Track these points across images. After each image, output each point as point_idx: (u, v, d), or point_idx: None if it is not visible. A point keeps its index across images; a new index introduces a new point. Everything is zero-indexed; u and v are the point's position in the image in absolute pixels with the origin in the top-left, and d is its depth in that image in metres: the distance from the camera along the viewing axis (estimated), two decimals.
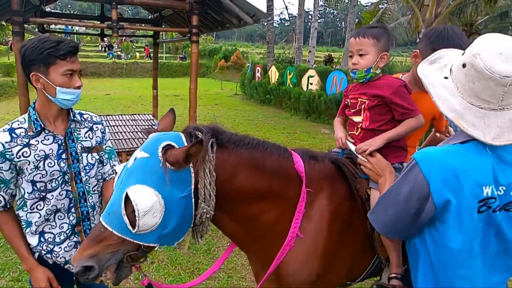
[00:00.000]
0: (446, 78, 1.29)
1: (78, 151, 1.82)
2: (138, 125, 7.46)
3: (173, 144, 1.34)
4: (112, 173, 1.95)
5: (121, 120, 7.80)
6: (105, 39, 26.39)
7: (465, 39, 1.68)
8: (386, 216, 1.34)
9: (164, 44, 29.81)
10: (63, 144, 1.77)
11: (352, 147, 1.78)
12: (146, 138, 1.45)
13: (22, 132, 1.69)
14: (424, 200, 1.21)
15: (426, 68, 1.38)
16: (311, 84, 11.67)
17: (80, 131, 1.87)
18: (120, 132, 6.83)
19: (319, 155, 1.76)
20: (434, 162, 1.21)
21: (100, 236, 1.29)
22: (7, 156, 1.64)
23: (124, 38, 28.56)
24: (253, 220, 1.55)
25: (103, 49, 29.92)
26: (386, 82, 1.73)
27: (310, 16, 18.39)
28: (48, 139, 1.74)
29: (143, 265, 3.57)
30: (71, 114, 1.84)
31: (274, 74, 13.72)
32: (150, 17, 8.44)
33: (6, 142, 1.64)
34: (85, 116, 1.95)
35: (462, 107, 1.21)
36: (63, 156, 1.76)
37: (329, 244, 1.61)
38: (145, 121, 7.89)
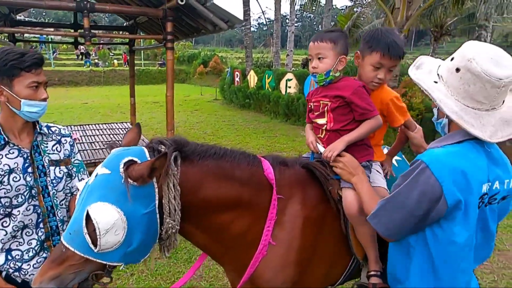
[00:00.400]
0: (435, 82, 1.35)
1: (45, 164, 1.78)
2: (116, 134, 7.37)
3: (135, 159, 1.31)
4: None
5: (98, 130, 7.69)
6: (82, 47, 26.03)
7: (396, 35, 1.80)
8: (392, 220, 1.35)
9: (142, 51, 29.56)
10: (29, 157, 1.73)
11: (323, 150, 1.79)
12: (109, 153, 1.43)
13: None
14: (435, 202, 1.25)
15: (417, 73, 1.42)
16: (290, 87, 11.76)
17: (47, 144, 1.83)
18: (97, 142, 6.73)
19: (289, 161, 1.77)
20: (444, 164, 1.25)
21: (62, 256, 1.26)
22: None
23: (101, 45, 28.19)
24: (223, 230, 1.54)
25: (79, 57, 29.44)
26: (346, 83, 1.77)
27: (287, 20, 18.55)
28: (13, 152, 1.69)
29: (122, 277, 3.54)
30: (37, 126, 1.80)
31: (253, 78, 13.77)
32: (125, 24, 8.36)
33: None
34: (53, 129, 1.91)
35: (459, 109, 1.28)
36: (29, 170, 1.72)
37: (303, 249, 1.60)
38: (123, 129, 7.80)
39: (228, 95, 15.74)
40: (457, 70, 1.28)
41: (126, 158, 1.30)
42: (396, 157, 2.27)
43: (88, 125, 8.23)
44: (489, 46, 1.28)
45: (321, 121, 1.82)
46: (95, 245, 1.23)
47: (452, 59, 1.33)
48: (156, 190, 1.32)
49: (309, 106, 1.92)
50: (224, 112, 13.84)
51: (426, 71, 1.41)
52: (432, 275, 1.34)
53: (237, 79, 14.87)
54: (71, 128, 7.65)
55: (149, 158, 1.34)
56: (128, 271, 3.64)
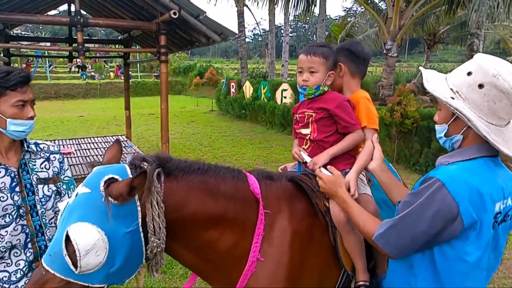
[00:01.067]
0: (452, 98, 1.29)
1: (33, 182, 1.75)
2: None
3: (116, 177, 1.28)
4: None
5: (93, 143, 7.66)
6: (78, 60, 26.07)
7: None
8: (402, 239, 1.30)
9: (138, 63, 29.66)
10: (17, 176, 1.70)
11: (308, 158, 1.80)
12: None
13: None
14: (450, 221, 1.21)
15: (433, 86, 1.35)
16: (285, 97, 11.80)
17: (35, 161, 1.80)
18: (92, 156, 6.69)
19: (275, 175, 1.75)
20: (460, 183, 1.21)
21: (42, 279, 1.21)
22: None
23: (97, 58, 28.29)
24: (210, 248, 1.50)
25: (70, 70, 29.52)
26: (331, 96, 1.82)
27: (282, 31, 18.71)
28: (0, 172, 1.67)
29: None
30: (25, 144, 1.78)
31: (248, 89, 13.82)
32: (120, 37, 8.40)
33: None
34: (41, 146, 1.89)
35: (486, 127, 1.24)
36: (17, 189, 1.69)
37: (293, 264, 1.57)
38: None
39: (224, 106, 15.77)
40: (480, 86, 1.24)
41: (106, 176, 1.27)
42: None
43: (83, 138, 8.19)
44: (501, 60, 1.26)
45: (305, 131, 1.85)
46: (76, 267, 1.19)
47: (469, 73, 1.28)
48: (139, 208, 1.29)
49: (295, 118, 1.95)
50: (220, 123, 13.84)
51: (439, 86, 1.35)
52: None
53: (232, 90, 14.91)
54: (66, 142, 7.61)
55: (130, 176, 1.31)
56: (122, 287, 3.58)
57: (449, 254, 1.26)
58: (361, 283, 1.72)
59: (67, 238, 1.19)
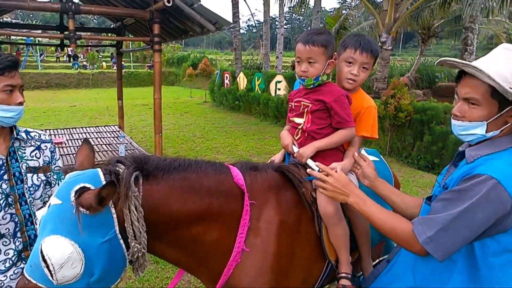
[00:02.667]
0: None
1: (22, 171, 1.71)
2: (104, 137, 7.28)
3: (88, 186, 1.23)
4: None
5: (85, 133, 7.59)
6: (69, 49, 25.71)
7: (369, 38, 1.88)
8: (454, 242, 1.23)
9: (131, 53, 29.34)
10: (5, 164, 1.67)
11: (296, 149, 1.79)
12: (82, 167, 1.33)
13: None
14: (504, 217, 1.18)
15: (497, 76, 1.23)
16: (279, 89, 11.77)
17: (25, 150, 1.76)
18: (86, 138, 6.63)
19: (260, 166, 1.73)
20: None
21: None
22: None
23: (89, 48, 27.91)
24: (196, 243, 1.48)
25: (67, 59, 29.11)
26: (330, 89, 1.78)
27: (276, 22, 18.60)
28: None
29: None
30: (14, 132, 1.74)
31: (242, 80, 13.75)
32: (112, 26, 8.28)
33: None
34: (32, 134, 1.84)
35: None
36: (5, 177, 1.66)
37: (279, 255, 1.56)
38: (110, 132, 7.71)
39: (218, 97, 15.70)
40: None
41: (77, 186, 1.22)
42: (373, 158, 2.27)
43: (75, 128, 8.11)
44: None
45: (298, 120, 1.83)
46: (53, 279, 1.17)
47: None
48: (114, 215, 1.25)
49: (290, 105, 1.92)
50: (213, 114, 13.78)
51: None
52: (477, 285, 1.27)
53: (226, 81, 14.82)
54: (57, 132, 7.53)
55: (104, 182, 1.25)
56: None
57: (493, 248, 1.23)
58: (343, 274, 1.73)
59: (42, 252, 1.16)
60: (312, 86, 1.78)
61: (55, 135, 7.25)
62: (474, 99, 1.30)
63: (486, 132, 1.31)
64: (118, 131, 7.78)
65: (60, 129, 7.96)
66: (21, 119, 1.69)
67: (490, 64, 1.27)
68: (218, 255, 1.52)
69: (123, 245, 1.27)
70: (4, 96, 1.58)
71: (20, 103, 1.65)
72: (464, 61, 1.30)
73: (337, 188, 1.52)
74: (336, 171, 1.57)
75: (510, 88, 1.21)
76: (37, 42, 17.64)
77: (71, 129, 7.91)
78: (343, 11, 17.80)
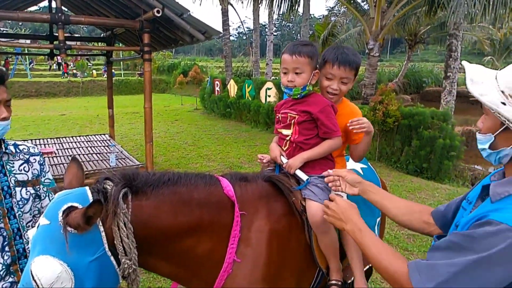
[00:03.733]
0: (503, 104, 1.06)
1: (11, 185, 1.70)
2: (94, 146, 7.25)
3: (75, 205, 1.23)
4: None
5: (75, 142, 7.56)
6: (59, 57, 25.58)
7: (350, 49, 1.89)
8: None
9: (122, 61, 29.27)
10: None
11: (285, 160, 1.83)
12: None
13: None
14: None
15: (480, 89, 1.10)
16: (269, 96, 11.87)
17: (13, 163, 1.75)
18: (75, 155, 6.60)
19: (250, 176, 1.75)
20: None
21: None
22: None
23: (79, 56, 27.80)
24: (188, 255, 1.49)
25: (50, 68, 28.95)
26: (315, 100, 1.81)
27: (266, 30, 18.74)
28: None
29: None
30: (2, 146, 1.73)
31: (233, 87, 13.82)
32: (102, 35, 8.30)
33: None
34: (21, 147, 1.83)
35: None
36: None
37: (270, 264, 1.58)
38: (101, 141, 7.68)
39: (209, 104, 15.74)
40: None
41: (65, 206, 1.23)
42: (361, 165, 2.32)
43: (66, 137, 8.07)
44: None
45: (286, 131, 1.87)
46: None
47: None
48: (103, 233, 1.26)
49: (277, 117, 1.96)
50: (204, 121, 13.81)
51: (487, 88, 1.10)
52: None
53: (217, 88, 14.88)
54: (47, 141, 7.49)
55: (91, 200, 1.25)
56: None
57: None
58: (333, 281, 1.76)
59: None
60: (298, 96, 1.81)
61: (45, 144, 7.21)
62: (484, 109, 1.14)
63: (492, 147, 1.13)
64: (109, 140, 7.76)
65: (50, 138, 7.91)
66: (11, 129, 1.68)
67: (504, 72, 1.12)
68: (210, 266, 1.53)
69: (114, 262, 1.29)
70: None
71: (4, 118, 1.63)
72: (469, 71, 1.16)
73: (336, 214, 1.45)
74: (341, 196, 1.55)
75: (508, 98, 1.06)
76: (26, 51, 17.56)
77: (61, 138, 7.86)
78: (332, 18, 18.06)
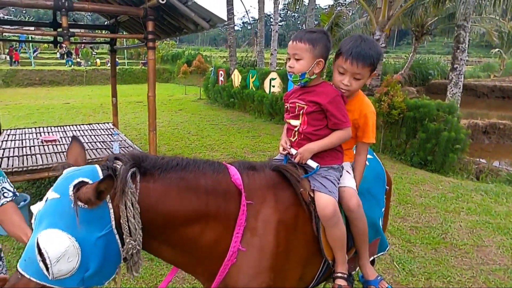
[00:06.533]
0: None
1: None
2: (98, 135, 7.25)
3: (86, 180, 1.24)
4: (1, 196, 1.76)
5: (79, 131, 7.55)
6: (63, 45, 25.47)
7: (372, 44, 1.77)
8: None
9: (125, 50, 29.18)
10: None
11: (294, 151, 1.80)
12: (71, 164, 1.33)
13: None
14: None
15: None
16: (274, 86, 11.78)
17: None
18: (76, 136, 6.59)
19: (258, 165, 1.73)
20: None
21: (16, 284, 1.19)
22: None
23: (83, 45, 27.73)
24: (192, 243, 1.48)
25: (62, 56, 28.88)
26: (325, 89, 1.76)
27: (271, 19, 18.56)
28: None
29: None
30: None
31: (237, 77, 13.76)
32: (106, 23, 8.23)
33: None
34: None
35: None
36: None
37: (276, 254, 1.56)
38: (104, 130, 7.67)
39: (213, 94, 15.69)
40: None
41: (76, 180, 1.23)
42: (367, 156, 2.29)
43: (69, 126, 8.07)
44: None
45: (294, 122, 1.83)
46: (49, 273, 1.17)
47: None
48: (111, 210, 1.26)
49: (286, 106, 1.92)
50: (208, 111, 13.77)
51: None
52: None
53: (221, 78, 14.82)
54: (51, 129, 7.49)
55: (101, 177, 1.25)
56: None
57: None
58: (339, 274, 1.76)
59: (38, 246, 1.16)
60: (299, 83, 1.78)
61: (48, 132, 7.21)
62: None
63: None
64: (112, 129, 7.74)
65: (54, 126, 7.91)
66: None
67: None
68: (215, 254, 1.52)
69: (119, 241, 1.28)
70: None
71: None
72: None
73: None
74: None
75: None
76: (30, 39, 17.48)
77: (64, 127, 7.86)
78: (338, 8, 17.84)
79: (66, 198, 1.21)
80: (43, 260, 1.16)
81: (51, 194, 1.24)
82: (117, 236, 1.28)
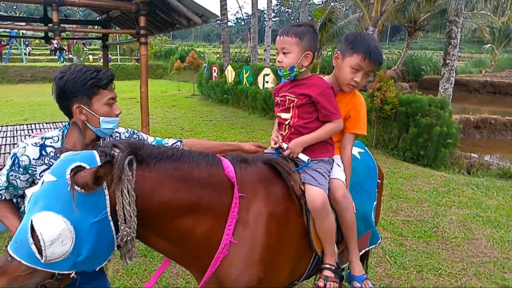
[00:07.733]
0: None
1: None
2: None
3: (84, 165, 1.24)
4: None
5: None
6: (55, 41, 25.23)
7: (377, 41, 1.85)
8: None
9: (118, 46, 28.94)
10: None
11: (285, 145, 1.81)
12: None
13: (52, 151, 1.65)
14: None
15: None
16: (267, 82, 11.78)
17: None
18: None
19: (250, 158, 1.74)
20: None
21: (6, 266, 1.18)
22: (30, 171, 1.61)
23: (75, 40, 27.44)
24: (185, 235, 1.49)
25: (53, 52, 28.57)
26: (314, 82, 1.77)
27: (265, 15, 18.51)
28: None
29: None
30: (101, 141, 1.80)
31: (230, 73, 13.72)
32: (98, 18, 8.17)
33: (34, 159, 1.61)
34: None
35: None
36: None
37: (267, 247, 1.58)
38: None
39: (206, 90, 15.64)
40: None
41: (73, 164, 1.23)
42: (358, 149, 2.31)
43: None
44: None
45: (285, 115, 1.83)
46: (41, 256, 1.16)
47: None
48: (107, 197, 1.26)
49: (276, 100, 1.92)
50: (202, 107, 13.74)
51: None
52: None
53: (214, 74, 14.77)
54: (44, 126, 7.43)
55: (99, 163, 1.26)
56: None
57: None
58: (327, 265, 1.78)
59: (32, 228, 1.16)
60: (289, 77, 1.79)
61: (41, 129, 7.15)
62: None
63: None
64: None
65: (46, 123, 7.84)
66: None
67: None
68: (208, 246, 1.52)
69: (113, 228, 1.29)
70: (107, 108, 1.69)
71: (118, 114, 1.76)
72: None
73: None
74: None
75: None
76: (21, 34, 17.25)
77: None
78: (332, 4, 17.85)
79: (63, 181, 1.21)
80: (36, 243, 1.15)
81: (47, 177, 1.24)
82: (111, 223, 1.28)
